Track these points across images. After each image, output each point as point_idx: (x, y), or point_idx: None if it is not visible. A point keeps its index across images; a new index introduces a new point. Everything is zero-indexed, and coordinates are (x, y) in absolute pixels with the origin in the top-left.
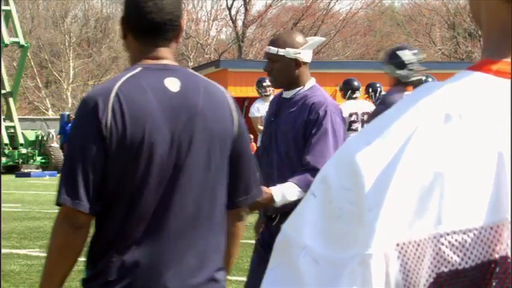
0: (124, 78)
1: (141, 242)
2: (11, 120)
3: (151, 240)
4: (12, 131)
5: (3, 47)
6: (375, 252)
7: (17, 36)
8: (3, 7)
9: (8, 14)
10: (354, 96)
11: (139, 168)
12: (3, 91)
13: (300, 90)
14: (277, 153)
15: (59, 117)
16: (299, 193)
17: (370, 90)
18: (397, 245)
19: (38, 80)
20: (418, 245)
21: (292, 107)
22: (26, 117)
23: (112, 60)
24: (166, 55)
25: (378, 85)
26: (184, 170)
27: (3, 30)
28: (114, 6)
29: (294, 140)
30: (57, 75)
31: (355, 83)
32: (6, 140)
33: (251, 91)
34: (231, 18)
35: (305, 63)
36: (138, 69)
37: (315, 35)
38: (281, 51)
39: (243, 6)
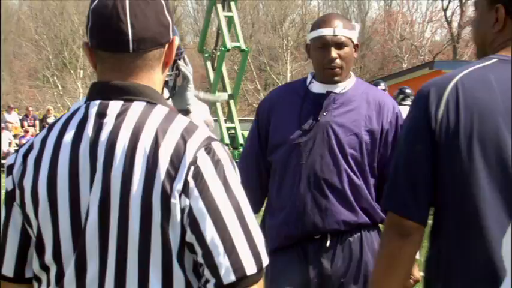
0: (470, 69)
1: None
2: (232, 121)
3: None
4: (233, 131)
5: (226, 51)
6: None
7: (238, 41)
8: (226, 13)
9: (231, 20)
10: (405, 103)
11: (471, 171)
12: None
13: (349, 82)
14: (334, 156)
15: None
16: None
17: None
18: None
19: (257, 82)
20: None
21: (349, 103)
22: (246, 118)
23: None
24: None
25: None
26: None
27: (226, 36)
28: (331, 10)
29: (360, 143)
30: (275, 78)
31: (407, 91)
32: (227, 140)
33: None
34: (446, 20)
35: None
36: (492, 61)
37: None
38: (348, 34)
39: (458, 7)
